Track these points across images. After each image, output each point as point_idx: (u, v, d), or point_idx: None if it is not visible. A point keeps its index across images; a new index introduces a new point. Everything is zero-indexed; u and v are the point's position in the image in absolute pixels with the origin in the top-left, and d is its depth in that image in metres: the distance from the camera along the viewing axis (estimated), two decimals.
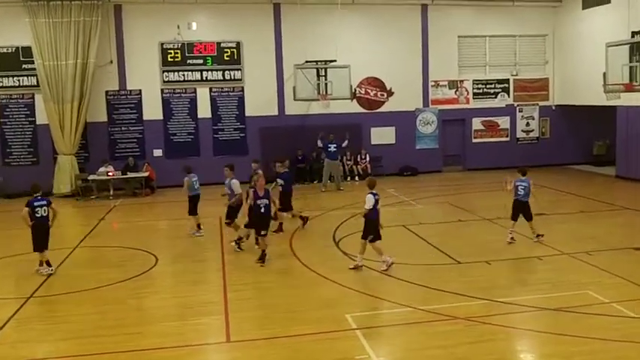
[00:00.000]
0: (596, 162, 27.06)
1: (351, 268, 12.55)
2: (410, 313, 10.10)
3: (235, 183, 14.95)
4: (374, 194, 12.20)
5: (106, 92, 24.20)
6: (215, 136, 25.10)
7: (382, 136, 26.29)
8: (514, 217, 14.31)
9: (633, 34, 18.08)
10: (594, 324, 9.46)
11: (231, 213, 14.97)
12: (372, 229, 12.26)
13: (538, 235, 14.36)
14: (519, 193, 14.18)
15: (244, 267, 13.26)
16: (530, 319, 9.92)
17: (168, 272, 13.42)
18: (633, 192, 21.08)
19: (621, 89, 18.15)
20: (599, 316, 9.73)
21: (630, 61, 17.65)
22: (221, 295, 11.31)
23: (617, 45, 18.34)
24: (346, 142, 22.97)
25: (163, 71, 24.38)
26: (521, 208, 14.20)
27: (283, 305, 10.84)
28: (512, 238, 14.30)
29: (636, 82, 17.53)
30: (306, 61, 23.74)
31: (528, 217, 14.21)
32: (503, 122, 27.57)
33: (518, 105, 27.63)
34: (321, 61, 23.75)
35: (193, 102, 24.81)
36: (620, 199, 19.68)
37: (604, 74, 18.50)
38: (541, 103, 27.81)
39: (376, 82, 26.21)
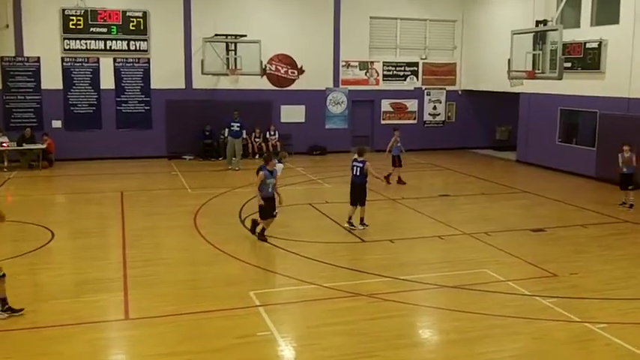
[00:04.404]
0: (499, 147, 27.99)
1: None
2: (313, 290, 10.09)
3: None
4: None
5: (1, 58, 22.81)
6: (118, 108, 24.17)
7: (292, 114, 26.13)
8: (623, 188, 16.43)
9: (537, 23, 18.60)
10: (491, 301, 9.76)
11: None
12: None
13: (624, 204, 16.36)
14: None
15: (145, 244, 12.90)
16: (430, 296, 10.12)
17: (65, 248, 12.89)
18: (532, 176, 21.94)
19: (524, 76, 18.67)
20: (496, 294, 10.04)
21: (534, 49, 18.13)
22: (120, 272, 10.93)
23: (521, 33, 18.82)
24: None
25: (64, 39, 23.19)
26: (627, 179, 16.24)
27: (185, 282, 10.64)
28: (623, 203, 16.42)
29: (538, 69, 18.06)
30: (216, 35, 23.27)
31: (624, 187, 16.38)
32: (412, 105, 28.00)
33: (426, 88, 28.11)
34: (231, 35, 23.33)
35: (96, 72, 23.74)
36: (519, 183, 20.45)
37: (509, 61, 19.03)
38: (448, 88, 28.40)
39: (287, 60, 25.97)
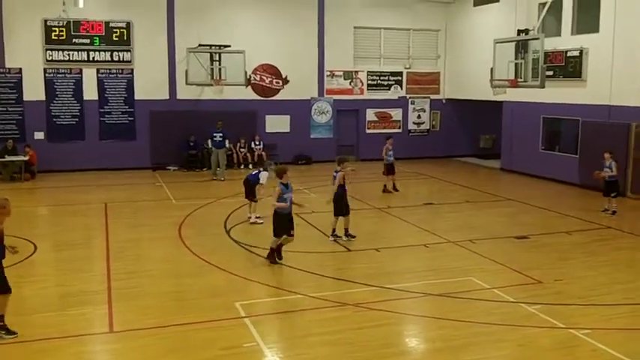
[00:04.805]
0: (483, 155, 28.14)
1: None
2: (299, 300, 10.08)
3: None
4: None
5: None
6: (102, 119, 24.06)
7: (277, 124, 26.14)
8: (606, 195, 16.60)
9: (519, 32, 18.80)
10: (476, 308, 9.78)
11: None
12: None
13: (606, 210, 16.55)
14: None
15: (129, 255, 12.81)
16: (416, 304, 10.13)
17: (49, 260, 12.77)
18: (516, 184, 22.09)
19: (507, 85, 18.84)
20: (481, 301, 10.07)
21: (516, 58, 18.33)
22: (105, 284, 10.84)
23: (503, 42, 19.02)
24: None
25: (47, 50, 23.08)
26: (609, 186, 16.41)
27: (170, 294, 10.56)
28: (606, 210, 16.57)
29: (521, 78, 18.23)
30: (200, 45, 23.24)
31: (606, 194, 16.55)
32: (396, 114, 28.12)
33: (410, 97, 28.25)
34: (215, 46, 23.30)
35: (79, 83, 23.62)
36: (504, 191, 20.55)
37: (491, 70, 19.18)
38: (432, 97, 28.57)
39: (271, 70, 26.01)
